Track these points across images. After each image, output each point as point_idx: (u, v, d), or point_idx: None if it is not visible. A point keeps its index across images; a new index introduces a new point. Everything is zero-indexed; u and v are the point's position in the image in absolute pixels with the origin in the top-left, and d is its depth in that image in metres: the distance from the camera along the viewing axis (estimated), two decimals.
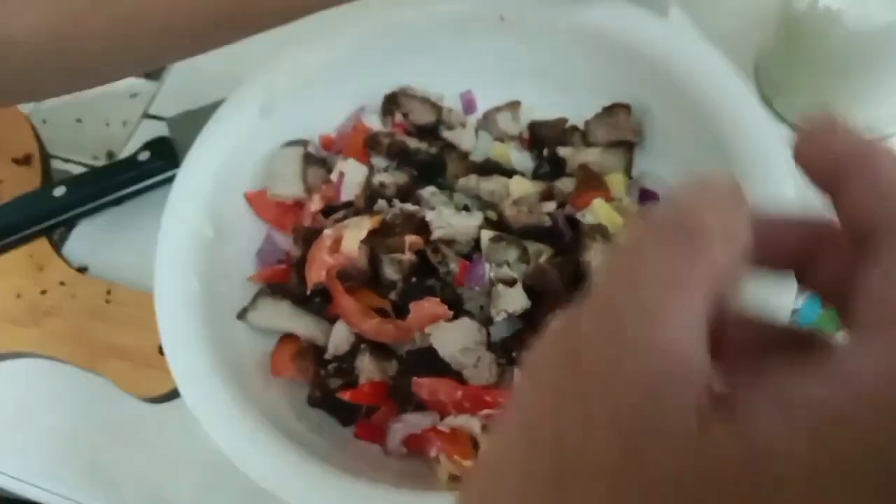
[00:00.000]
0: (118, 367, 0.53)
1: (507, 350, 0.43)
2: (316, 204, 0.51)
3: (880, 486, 0.14)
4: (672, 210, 0.18)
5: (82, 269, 0.59)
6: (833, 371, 0.15)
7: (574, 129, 0.54)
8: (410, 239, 0.46)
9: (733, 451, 0.14)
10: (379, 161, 0.53)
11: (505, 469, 0.17)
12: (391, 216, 0.47)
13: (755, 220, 0.19)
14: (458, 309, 0.44)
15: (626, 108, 0.51)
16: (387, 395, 0.45)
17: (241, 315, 0.47)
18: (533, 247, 0.46)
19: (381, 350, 0.45)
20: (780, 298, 0.38)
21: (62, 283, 0.57)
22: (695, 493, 0.14)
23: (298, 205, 0.51)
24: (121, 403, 0.53)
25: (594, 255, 0.43)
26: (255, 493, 0.38)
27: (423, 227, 0.46)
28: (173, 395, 0.52)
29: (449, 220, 0.46)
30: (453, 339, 0.42)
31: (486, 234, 0.45)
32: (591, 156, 0.51)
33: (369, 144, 0.53)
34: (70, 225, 0.61)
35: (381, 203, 0.49)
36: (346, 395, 0.44)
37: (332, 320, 0.47)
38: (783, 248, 0.20)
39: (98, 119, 0.68)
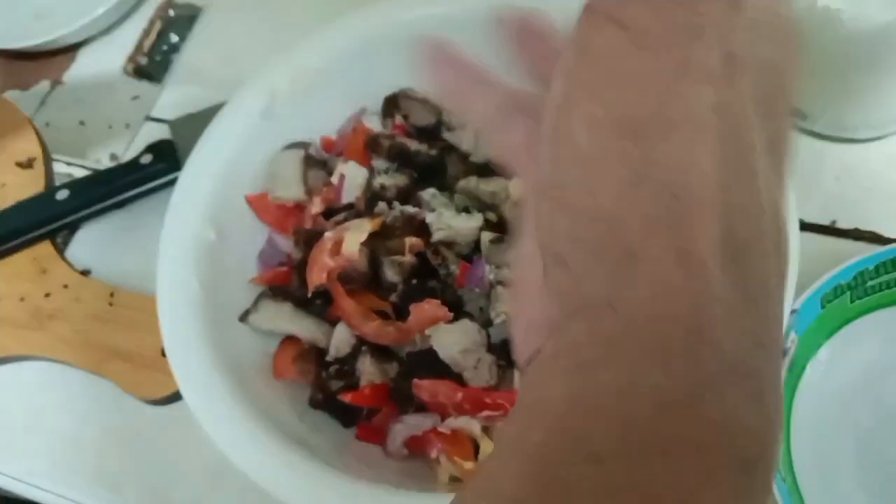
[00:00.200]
0: (121, 370, 0.53)
1: (507, 352, 0.43)
2: (317, 206, 0.51)
3: None
4: None
5: (85, 273, 0.59)
6: None
7: None
8: (411, 241, 0.46)
9: None
10: (379, 163, 0.53)
11: None
12: (392, 218, 0.47)
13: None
14: (458, 311, 0.44)
15: None
16: (388, 397, 0.45)
17: (243, 317, 0.47)
18: None
19: (381, 352, 0.45)
20: None
21: (65, 287, 0.57)
22: None
23: (299, 207, 0.52)
24: (124, 406, 0.53)
25: None
26: (256, 494, 0.38)
27: (423, 229, 0.46)
28: (176, 397, 0.52)
29: (449, 221, 0.46)
30: (453, 340, 0.43)
31: (487, 236, 0.46)
32: None
33: (370, 146, 0.53)
34: (73, 228, 0.61)
35: (382, 205, 0.49)
36: (348, 397, 0.45)
37: (333, 322, 0.47)
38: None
39: (100, 122, 0.68)
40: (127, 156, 0.65)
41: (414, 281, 0.46)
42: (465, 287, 0.44)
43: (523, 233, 0.23)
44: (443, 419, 0.43)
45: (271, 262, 0.51)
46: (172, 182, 0.50)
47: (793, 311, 0.42)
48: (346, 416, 0.46)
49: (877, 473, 0.45)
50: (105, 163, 0.65)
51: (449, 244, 0.46)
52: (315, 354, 0.47)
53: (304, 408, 0.46)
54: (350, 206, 0.51)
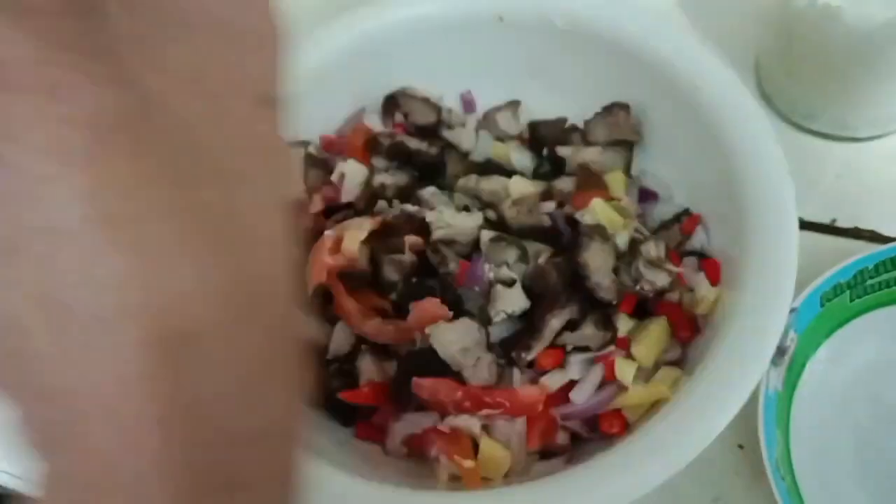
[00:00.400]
0: None
1: (506, 350, 0.43)
2: (316, 205, 0.51)
3: None
4: None
5: None
6: None
7: (574, 128, 0.54)
8: (410, 239, 0.46)
9: None
10: (379, 162, 0.53)
11: None
12: (391, 217, 0.47)
13: None
14: (457, 309, 0.44)
15: (625, 107, 0.51)
16: (387, 396, 0.45)
17: None
18: (532, 247, 0.46)
19: (381, 350, 0.45)
20: (777, 298, 0.39)
21: None
22: None
23: (299, 205, 0.52)
24: None
25: (593, 255, 0.43)
26: None
27: (423, 228, 0.46)
28: None
29: (449, 220, 0.46)
30: (453, 339, 0.42)
31: (486, 235, 0.46)
32: (590, 155, 0.51)
33: (370, 145, 0.53)
34: None
35: (382, 204, 0.49)
36: (347, 396, 0.45)
37: (332, 321, 0.47)
38: None
39: None
40: None
41: (413, 279, 0.46)
42: (465, 286, 0.44)
43: None
44: (442, 418, 0.43)
45: None
46: None
47: (792, 310, 0.42)
48: (346, 414, 0.46)
49: (876, 472, 0.45)
50: None
51: (448, 243, 0.46)
52: (314, 353, 0.47)
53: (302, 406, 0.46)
54: (350, 205, 0.51)
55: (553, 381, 0.42)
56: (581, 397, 0.42)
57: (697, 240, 0.47)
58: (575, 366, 0.43)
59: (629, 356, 0.43)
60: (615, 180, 0.50)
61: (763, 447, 0.41)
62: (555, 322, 0.42)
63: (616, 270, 0.44)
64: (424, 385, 0.42)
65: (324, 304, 0.48)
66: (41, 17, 0.16)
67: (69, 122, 0.16)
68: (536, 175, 0.52)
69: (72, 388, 0.17)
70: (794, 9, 0.51)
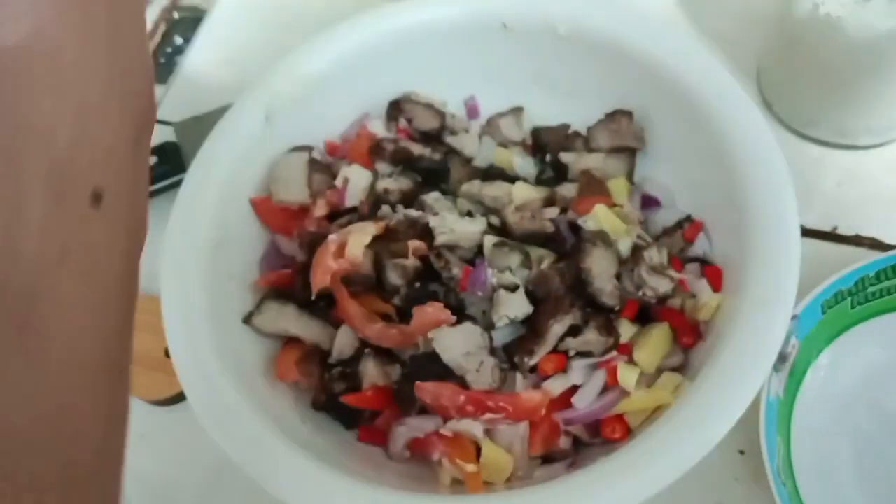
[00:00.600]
0: None
1: (509, 355, 0.43)
2: (320, 209, 0.51)
3: None
4: None
5: None
6: None
7: (577, 134, 0.54)
8: (414, 244, 0.46)
9: None
10: (383, 167, 0.53)
11: None
12: (395, 222, 0.48)
13: None
14: (460, 314, 0.44)
15: (628, 114, 0.52)
16: (390, 400, 0.45)
17: (247, 319, 0.47)
18: (535, 252, 0.46)
19: (384, 355, 0.46)
20: (780, 305, 0.39)
21: None
22: None
23: (303, 210, 0.52)
24: None
25: (596, 261, 0.43)
26: (259, 495, 0.39)
27: (426, 233, 0.47)
28: (179, 398, 0.52)
29: (452, 225, 0.46)
30: (456, 343, 0.43)
31: (489, 240, 0.46)
32: (593, 161, 0.51)
33: (373, 150, 0.53)
34: None
35: (385, 208, 0.49)
36: (350, 400, 0.45)
37: (336, 325, 0.47)
38: None
39: None
40: None
41: (417, 284, 0.46)
42: (468, 290, 0.45)
43: None
44: (445, 422, 0.43)
45: (275, 264, 0.52)
46: (177, 184, 0.51)
47: (794, 317, 0.43)
48: (349, 418, 0.46)
49: (876, 478, 0.45)
50: None
51: (452, 248, 0.46)
52: (318, 356, 0.47)
53: (306, 410, 0.46)
54: (354, 210, 0.51)
55: (555, 385, 0.43)
56: (583, 402, 0.42)
57: (700, 246, 0.47)
58: (577, 371, 0.43)
59: (631, 362, 0.43)
60: (618, 186, 0.50)
61: (764, 453, 0.41)
62: (557, 327, 0.42)
63: (618, 276, 0.44)
64: (427, 389, 0.42)
65: (327, 308, 0.48)
66: None
67: None
68: (539, 181, 0.53)
69: None
70: (796, 17, 0.52)
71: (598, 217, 0.46)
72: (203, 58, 0.71)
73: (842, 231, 0.53)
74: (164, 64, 0.71)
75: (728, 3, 0.64)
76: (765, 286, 0.40)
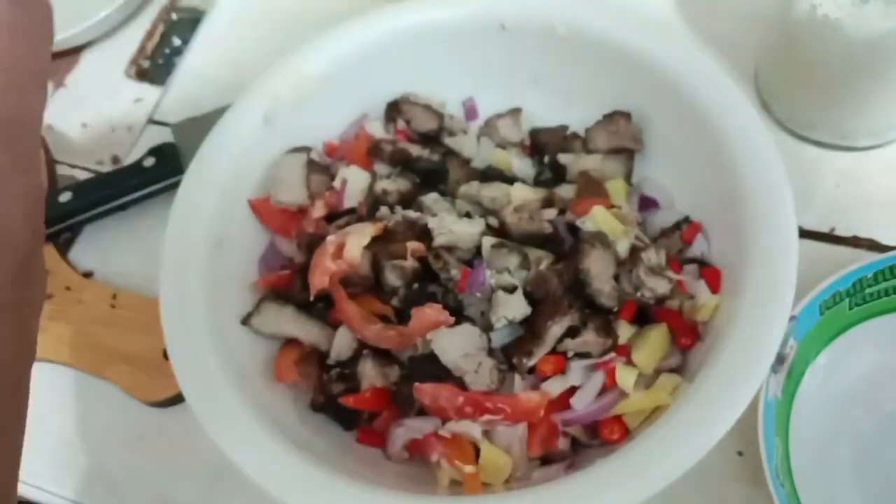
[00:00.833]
0: (123, 372, 0.53)
1: (507, 356, 0.43)
2: (319, 210, 0.51)
3: None
4: None
5: (88, 275, 0.59)
6: None
7: (575, 136, 0.54)
8: (412, 245, 0.46)
9: None
10: (381, 168, 0.53)
11: None
12: (393, 223, 0.48)
13: None
14: (459, 315, 0.44)
15: (626, 115, 0.52)
16: (389, 401, 0.45)
17: (245, 320, 0.47)
18: (533, 253, 0.46)
19: (383, 356, 0.45)
20: (778, 306, 0.39)
21: (68, 289, 0.58)
22: None
23: (302, 211, 0.52)
24: (126, 408, 0.54)
25: (594, 262, 0.43)
26: (258, 496, 0.39)
27: (425, 234, 0.47)
28: (178, 399, 0.52)
29: (451, 226, 0.46)
30: (454, 344, 0.43)
31: (488, 241, 0.46)
32: (591, 163, 0.51)
33: (372, 151, 0.53)
34: (76, 230, 0.62)
35: (384, 210, 0.49)
36: (349, 401, 0.45)
37: (334, 326, 0.47)
38: None
39: (103, 124, 0.68)
40: (129, 158, 0.65)
41: (415, 285, 0.46)
42: (466, 291, 0.45)
43: None
44: (443, 423, 0.43)
45: (273, 265, 0.52)
46: (175, 185, 0.51)
47: (791, 318, 0.43)
48: (347, 419, 0.46)
49: (874, 479, 0.45)
50: (108, 165, 0.66)
51: (450, 249, 0.46)
52: (316, 358, 0.47)
53: (305, 411, 0.46)
54: (352, 211, 0.51)
55: (554, 387, 0.43)
56: (582, 403, 0.42)
57: (698, 247, 0.47)
58: (576, 372, 0.43)
59: (630, 363, 0.43)
60: (616, 188, 0.50)
61: (763, 454, 0.41)
62: (556, 328, 0.42)
63: (617, 277, 0.44)
64: (426, 390, 0.42)
65: (326, 309, 0.48)
66: None
67: None
68: (538, 182, 0.53)
69: None
70: (794, 18, 0.52)
71: (596, 218, 0.46)
72: (201, 59, 0.71)
73: (840, 232, 0.53)
74: (163, 65, 0.71)
75: (726, 5, 0.64)
76: (763, 287, 0.40)
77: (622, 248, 0.45)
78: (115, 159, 0.66)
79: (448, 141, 0.55)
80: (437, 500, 0.42)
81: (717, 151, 0.45)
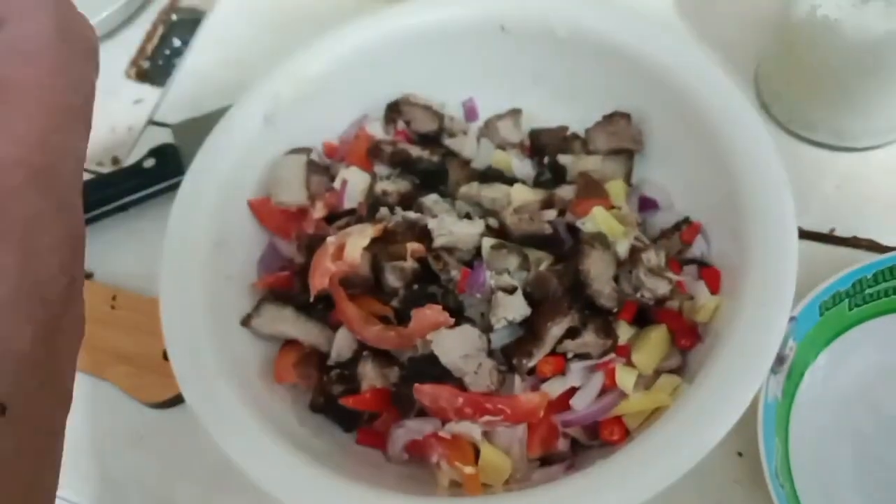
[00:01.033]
0: (123, 373, 0.53)
1: (507, 357, 0.43)
2: (319, 211, 0.51)
3: None
4: None
5: (88, 276, 0.59)
6: None
7: (575, 137, 0.54)
8: (412, 246, 0.46)
9: None
10: (381, 169, 0.53)
11: None
12: (393, 224, 0.48)
13: None
14: (459, 316, 0.44)
15: (626, 116, 0.52)
16: (388, 402, 0.45)
17: (245, 321, 0.47)
18: (533, 254, 0.46)
19: (383, 357, 0.45)
20: (777, 307, 0.39)
21: None
22: None
23: (302, 212, 0.52)
24: (126, 409, 0.54)
25: (594, 263, 0.43)
26: (258, 497, 0.39)
27: (424, 235, 0.47)
28: (178, 400, 0.52)
29: (450, 227, 0.46)
30: (454, 345, 0.43)
31: (488, 242, 0.46)
32: (591, 163, 0.51)
33: (372, 152, 0.53)
34: None
35: (384, 211, 0.49)
36: (349, 402, 0.45)
37: (334, 327, 0.47)
38: None
39: (103, 125, 0.68)
40: (130, 159, 0.65)
41: (415, 286, 0.46)
42: (466, 292, 0.45)
43: None
44: (443, 424, 0.43)
45: (273, 266, 0.52)
46: (175, 186, 0.51)
47: (791, 319, 0.43)
48: (347, 420, 0.46)
49: (874, 480, 0.45)
50: (108, 166, 0.66)
51: (450, 250, 0.46)
52: (316, 359, 0.47)
53: (305, 412, 0.46)
54: (352, 212, 0.51)
55: (554, 388, 0.43)
56: (582, 404, 0.42)
57: (697, 248, 0.47)
58: (575, 373, 0.43)
59: (630, 364, 0.43)
60: (616, 188, 0.50)
61: (762, 455, 0.41)
62: (555, 329, 0.42)
63: (616, 278, 0.44)
64: (426, 391, 0.42)
65: (326, 310, 0.48)
66: None
67: None
68: (537, 183, 0.53)
69: None
70: (795, 19, 0.52)
71: (596, 219, 0.46)
72: (201, 59, 0.71)
73: (839, 233, 0.53)
74: (163, 66, 0.71)
75: (726, 6, 0.64)
76: (763, 288, 0.40)
77: (622, 248, 0.45)
78: (116, 160, 0.66)
79: (448, 142, 0.55)
80: (437, 502, 0.42)
81: (718, 152, 0.45)
